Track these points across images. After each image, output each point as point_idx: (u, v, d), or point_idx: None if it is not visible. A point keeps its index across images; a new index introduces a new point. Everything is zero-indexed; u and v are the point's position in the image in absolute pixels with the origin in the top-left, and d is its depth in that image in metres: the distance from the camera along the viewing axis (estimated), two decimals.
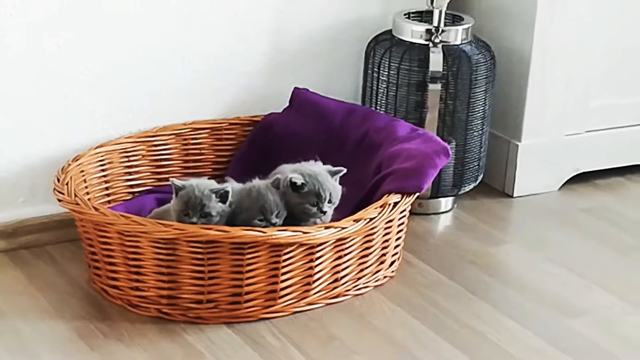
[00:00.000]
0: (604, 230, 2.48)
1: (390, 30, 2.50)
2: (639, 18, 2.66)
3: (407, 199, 2.15)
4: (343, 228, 2.03)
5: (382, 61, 2.45)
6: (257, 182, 2.09)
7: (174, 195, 2.04)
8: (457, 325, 2.06)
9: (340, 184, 2.12)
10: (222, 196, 2.03)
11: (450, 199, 2.55)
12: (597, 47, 2.61)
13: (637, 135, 2.73)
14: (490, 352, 1.97)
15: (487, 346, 1.99)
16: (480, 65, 2.44)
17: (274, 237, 1.96)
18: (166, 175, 2.37)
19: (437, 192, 2.51)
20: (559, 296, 2.18)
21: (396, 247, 2.23)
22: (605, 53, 2.64)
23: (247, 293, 2.01)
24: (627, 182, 2.74)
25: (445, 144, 2.23)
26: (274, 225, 2.02)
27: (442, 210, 2.54)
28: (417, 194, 2.17)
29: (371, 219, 2.07)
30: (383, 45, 2.47)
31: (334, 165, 2.17)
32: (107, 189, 2.31)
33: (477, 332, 2.03)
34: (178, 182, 2.04)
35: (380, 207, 2.09)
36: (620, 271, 2.29)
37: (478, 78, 2.44)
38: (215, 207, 2.02)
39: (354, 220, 2.05)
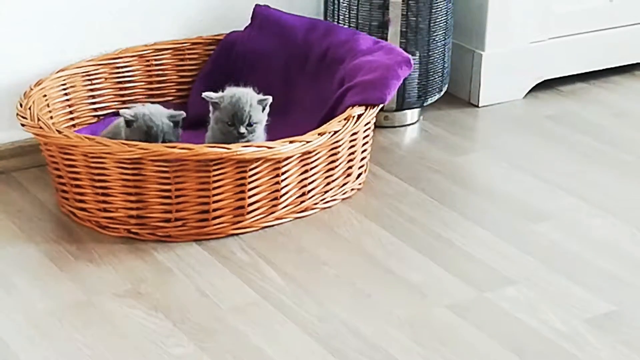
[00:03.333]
0: (568, 136, 2.50)
1: None
2: None
3: (371, 111, 2.15)
4: (308, 142, 2.04)
5: None
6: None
7: (123, 125, 2.06)
8: (425, 234, 2.08)
9: (304, 98, 2.12)
10: (177, 122, 2.08)
11: (416, 110, 2.55)
12: None
13: (599, 41, 2.74)
14: (457, 258, 1.99)
15: (454, 252, 2.02)
16: None
17: (238, 153, 1.97)
18: (130, 98, 2.37)
19: (402, 104, 2.51)
20: (525, 202, 2.20)
21: (362, 159, 2.24)
22: None
23: (215, 210, 2.02)
24: (590, 87, 2.75)
25: (407, 55, 2.23)
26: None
27: (408, 122, 2.55)
28: (381, 105, 2.18)
29: (335, 132, 2.08)
30: None
31: (298, 82, 2.17)
32: (71, 112, 2.30)
33: (444, 239, 2.06)
34: (128, 115, 2.05)
35: (345, 119, 2.10)
36: (585, 175, 2.32)
37: None
38: (176, 133, 2.07)
39: (319, 134, 2.05)
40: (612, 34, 2.75)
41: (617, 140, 2.48)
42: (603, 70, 2.79)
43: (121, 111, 2.08)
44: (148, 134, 2.04)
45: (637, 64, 2.83)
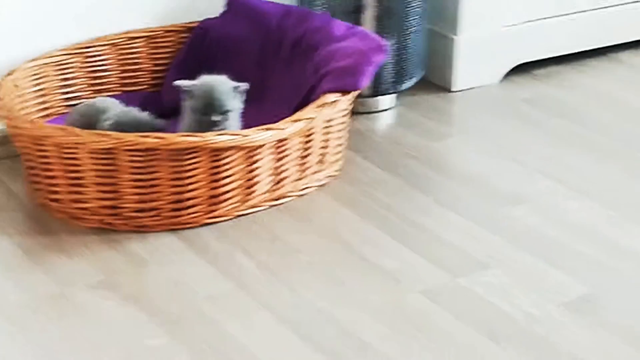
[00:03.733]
0: (544, 120, 2.50)
1: None
2: None
3: (346, 97, 2.15)
4: (282, 129, 2.03)
5: None
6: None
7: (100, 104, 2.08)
8: (400, 220, 2.07)
9: (278, 85, 2.12)
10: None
11: (392, 96, 2.55)
12: None
13: (574, 24, 2.74)
14: (432, 244, 1.99)
15: (428, 238, 2.01)
16: None
17: (212, 141, 1.96)
18: (103, 87, 2.36)
19: (377, 90, 2.50)
20: (501, 186, 2.20)
21: (338, 146, 2.23)
22: None
23: (189, 199, 2.01)
24: (565, 70, 2.75)
25: (382, 41, 2.22)
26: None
27: (384, 107, 2.54)
28: (356, 92, 2.17)
29: (310, 119, 2.07)
30: None
31: (273, 69, 2.15)
32: (43, 102, 2.28)
33: (420, 226, 2.05)
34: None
35: (319, 106, 2.09)
36: (561, 158, 2.32)
37: None
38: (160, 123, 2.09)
39: (293, 121, 2.05)
40: (586, 16, 2.75)
41: (592, 123, 2.48)
42: (578, 53, 2.79)
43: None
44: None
45: (611, 46, 2.83)
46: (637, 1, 2.80)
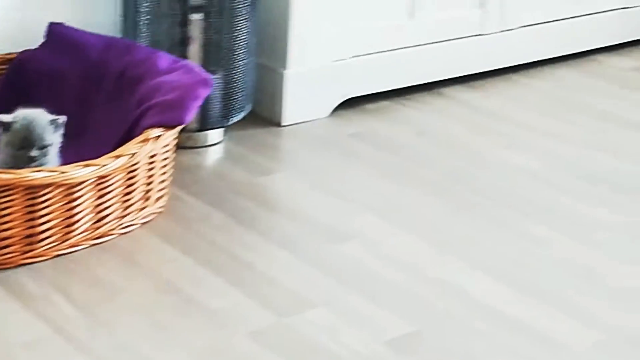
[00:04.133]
0: (371, 155, 2.50)
1: None
2: None
3: (170, 132, 2.09)
4: (103, 165, 1.96)
5: None
6: None
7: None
8: (226, 258, 2.03)
9: (101, 120, 2.05)
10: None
11: (220, 130, 2.50)
12: None
13: (402, 58, 2.75)
14: (259, 283, 1.95)
15: (255, 276, 1.97)
16: None
17: (28, 178, 1.87)
18: None
19: (205, 124, 2.46)
20: (327, 222, 2.18)
21: (163, 182, 2.17)
22: None
23: (3, 239, 1.92)
24: (393, 105, 2.76)
25: (207, 75, 2.18)
26: None
27: (212, 142, 2.49)
28: (180, 127, 2.12)
29: (132, 155, 2.01)
30: None
31: (94, 103, 2.08)
32: None
33: (246, 263, 2.01)
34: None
35: (142, 142, 2.03)
36: (387, 193, 2.31)
37: (239, 7, 2.39)
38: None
39: (115, 157, 1.98)
40: (414, 51, 2.77)
41: (418, 157, 2.49)
42: (407, 88, 2.81)
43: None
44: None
45: (438, 81, 2.86)
46: (460, 38, 2.84)
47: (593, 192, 2.35)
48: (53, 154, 2.02)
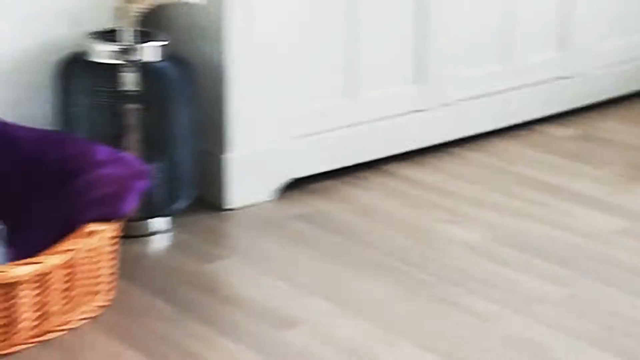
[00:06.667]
0: (318, 236, 2.49)
1: (83, 52, 2.42)
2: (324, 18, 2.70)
3: (110, 226, 2.08)
4: (41, 263, 1.94)
5: (75, 84, 2.37)
6: None
7: None
8: (172, 349, 2.00)
9: (39, 216, 2.03)
10: None
11: (165, 218, 2.49)
12: (289, 52, 2.62)
13: (344, 137, 2.77)
14: None
15: None
16: (178, 81, 2.40)
17: None
18: None
19: (149, 212, 2.45)
20: (275, 308, 2.16)
21: (108, 275, 2.15)
22: (300, 57, 2.65)
23: None
24: (339, 184, 2.77)
25: (143, 167, 2.18)
26: None
27: (157, 230, 2.48)
28: (120, 219, 2.11)
29: (72, 250, 1.99)
30: (74, 67, 2.39)
31: (31, 198, 2.06)
32: None
33: (191, 354, 1.99)
34: None
35: (80, 236, 2.02)
36: (333, 276, 2.31)
37: (177, 95, 2.40)
38: None
39: (53, 254, 1.96)
40: (354, 130, 2.78)
41: (364, 237, 2.48)
42: (352, 166, 2.82)
43: None
44: None
45: (383, 159, 2.87)
46: (399, 115, 2.86)
47: (535, 264, 2.36)
48: None
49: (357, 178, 2.81)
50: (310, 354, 2.00)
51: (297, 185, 2.72)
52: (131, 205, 2.10)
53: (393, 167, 2.87)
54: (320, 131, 2.73)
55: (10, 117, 2.41)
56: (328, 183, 2.77)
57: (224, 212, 2.60)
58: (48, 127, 2.45)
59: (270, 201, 2.66)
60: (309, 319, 2.13)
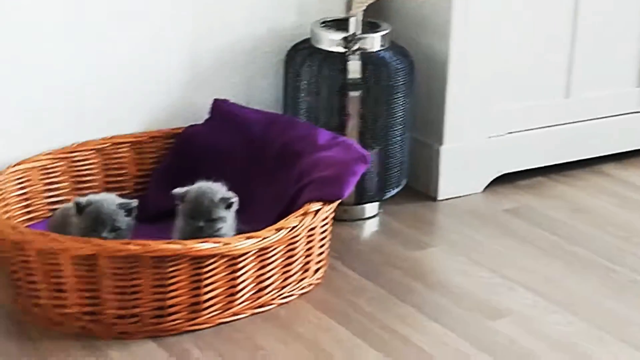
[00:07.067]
0: (526, 231, 2.51)
1: (309, 39, 2.51)
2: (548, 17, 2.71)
3: (328, 207, 2.16)
4: (265, 238, 2.03)
5: (301, 70, 2.46)
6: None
7: (74, 212, 2.05)
8: (382, 330, 2.06)
9: (262, 193, 2.12)
10: (129, 210, 2.07)
11: (375, 204, 2.56)
12: (511, 50, 2.64)
13: (558, 135, 2.77)
14: (412, 356, 1.98)
15: (410, 349, 2.00)
16: (399, 71, 2.46)
17: (194, 249, 1.96)
18: (87, 192, 2.36)
19: (361, 198, 2.52)
20: (483, 298, 2.20)
21: (321, 254, 2.23)
22: (522, 55, 2.67)
23: (170, 306, 2.00)
24: (548, 181, 2.77)
25: (364, 152, 2.24)
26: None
27: (367, 215, 2.55)
28: (338, 201, 2.18)
29: (292, 228, 2.08)
30: (301, 54, 2.48)
31: (256, 177, 2.15)
32: (27, 206, 2.29)
33: (401, 336, 2.04)
34: (82, 200, 2.04)
35: (301, 215, 2.10)
36: (542, 270, 2.32)
37: (397, 84, 2.46)
38: (124, 220, 2.05)
39: (276, 230, 2.05)
40: (570, 128, 2.78)
41: (573, 235, 2.48)
42: (562, 164, 2.82)
43: (75, 198, 2.07)
44: (97, 220, 2.03)
45: (595, 158, 2.85)
46: (620, 115, 2.84)
47: None
48: (227, 228, 2.10)
49: (567, 176, 2.80)
50: (516, 345, 2.03)
51: (505, 180, 2.73)
52: (350, 188, 2.17)
53: (606, 168, 2.85)
54: (535, 127, 2.74)
55: (241, 99, 2.52)
56: (537, 179, 2.78)
57: (433, 202, 2.64)
58: (274, 110, 2.55)
59: (479, 194, 2.69)
60: (515, 310, 2.15)
